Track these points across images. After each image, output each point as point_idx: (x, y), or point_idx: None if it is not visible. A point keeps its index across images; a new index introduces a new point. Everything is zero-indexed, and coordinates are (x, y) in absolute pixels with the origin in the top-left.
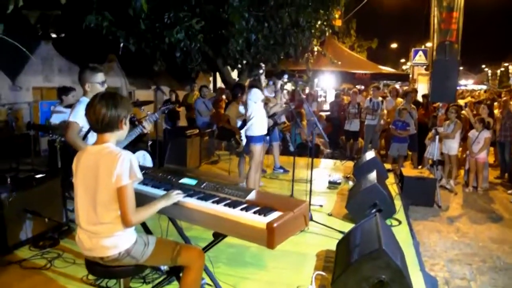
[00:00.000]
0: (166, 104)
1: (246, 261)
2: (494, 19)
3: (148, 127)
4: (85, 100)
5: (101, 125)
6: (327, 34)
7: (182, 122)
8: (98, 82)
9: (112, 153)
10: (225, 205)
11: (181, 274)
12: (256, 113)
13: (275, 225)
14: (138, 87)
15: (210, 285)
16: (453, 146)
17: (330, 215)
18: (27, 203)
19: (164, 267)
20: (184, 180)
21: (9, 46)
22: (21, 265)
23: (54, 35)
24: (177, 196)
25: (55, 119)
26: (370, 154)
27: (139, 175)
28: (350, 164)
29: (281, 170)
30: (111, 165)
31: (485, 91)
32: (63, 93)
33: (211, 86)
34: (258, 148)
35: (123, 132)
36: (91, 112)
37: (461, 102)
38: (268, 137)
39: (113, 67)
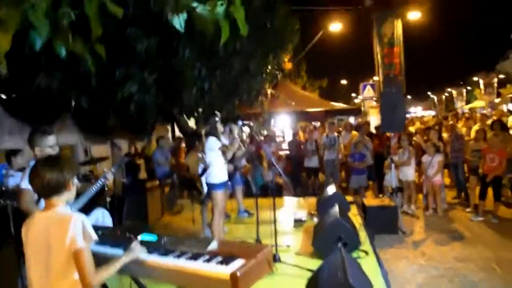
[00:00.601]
0: (127, 156)
1: None
2: (434, 49)
3: (110, 178)
4: None
5: (47, 190)
6: (278, 77)
7: (143, 175)
8: (48, 145)
9: (62, 217)
10: (187, 258)
11: None
12: (215, 161)
13: (238, 274)
14: (94, 142)
15: None
16: (409, 172)
17: (298, 254)
18: None
19: None
20: (144, 237)
21: None
22: None
23: (4, 96)
24: (139, 250)
25: (9, 183)
26: (331, 189)
27: (94, 236)
28: (313, 200)
29: (246, 214)
30: (63, 230)
31: (433, 117)
32: (11, 155)
33: (169, 135)
34: (219, 195)
35: (71, 193)
36: (36, 178)
37: (412, 129)
38: (229, 182)
39: (67, 124)
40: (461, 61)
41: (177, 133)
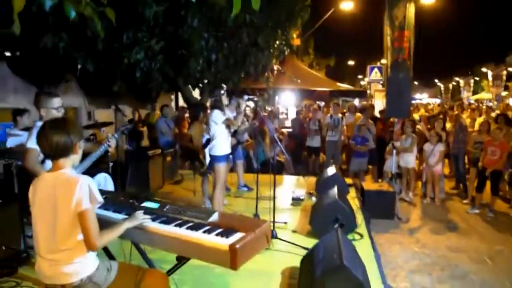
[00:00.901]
0: (130, 123)
1: (211, 281)
2: (445, 36)
3: (113, 144)
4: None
5: (55, 152)
6: (286, 53)
7: (145, 142)
8: (54, 107)
9: (69, 179)
10: (187, 228)
11: None
12: (219, 134)
13: (237, 246)
14: (98, 106)
15: None
16: (410, 160)
17: (294, 231)
18: None
19: None
20: (146, 204)
21: None
22: None
23: (8, 54)
24: (143, 218)
25: (11, 143)
26: (331, 170)
27: (99, 199)
28: (312, 179)
29: (245, 188)
30: (70, 191)
31: (438, 105)
32: (17, 115)
33: (173, 104)
34: (222, 168)
35: (78, 156)
36: (43, 140)
37: (416, 115)
38: (231, 156)
39: (72, 87)
40: (471, 51)
41: (180, 103)
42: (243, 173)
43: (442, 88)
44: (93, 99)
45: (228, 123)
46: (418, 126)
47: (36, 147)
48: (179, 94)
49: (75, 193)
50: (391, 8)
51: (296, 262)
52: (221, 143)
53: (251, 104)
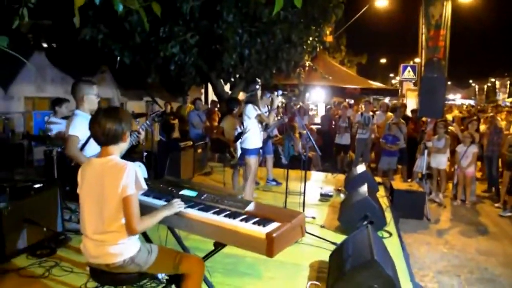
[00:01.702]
0: (162, 115)
1: (242, 271)
2: (481, 36)
3: (142, 134)
4: (80, 113)
5: (106, 138)
6: (318, 49)
7: (176, 134)
8: (94, 94)
9: (117, 165)
10: (225, 216)
11: (181, 283)
12: (251, 128)
13: (274, 235)
14: (130, 98)
15: None
16: (442, 160)
17: (322, 227)
18: (25, 212)
19: (162, 276)
20: (185, 192)
21: (1, 55)
22: (19, 274)
23: (45, 45)
24: (179, 205)
25: (52, 130)
26: (361, 168)
27: (144, 185)
28: (341, 177)
29: (274, 183)
30: (117, 177)
31: (472, 106)
32: (56, 104)
33: (202, 97)
34: (253, 160)
35: (125, 144)
36: (96, 126)
37: (449, 116)
38: (261, 150)
39: (105, 78)
40: (509, 51)
41: (210, 96)
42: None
43: (477, 89)
44: (125, 91)
45: (260, 119)
46: (450, 127)
47: (77, 134)
48: (209, 88)
49: (122, 178)
50: (427, 6)
51: (324, 256)
52: (253, 136)
53: (281, 99)
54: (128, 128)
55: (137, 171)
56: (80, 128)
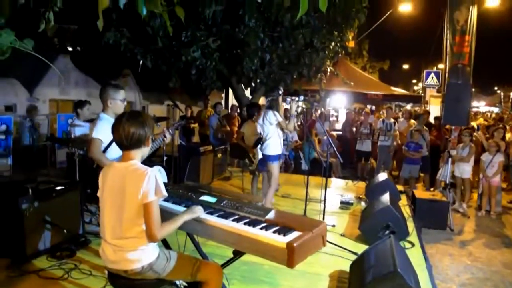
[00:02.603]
0: (182, 119)
1: (259, 279)
2: (508, 42)
3: (168, 138)
4: (105, 117)
5: (129, 142)
6: (340, 55)
7: (196, 138)
8: (120, 99)
9: (138, 170)
10: (245, 223)
11: None
12: (273, 134)
13: (295, 244)
14: (152, 102)
15: None
16: (466, 169)
17: (342, 235)
18: (46, 213)
19: (180, 283)
20: (204, 198)
21: (27, 58)
22: (39, 275)
23: (70, 49)
24: (199, 210)
25: (75, 132)
26: (382, 176)
27: (164, 192)
28: (361, 184)
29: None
30: (138, 182)
31: (496, 114)
32: (78, 106)
33: (223, 102)
34: (275, 166)
35: (147, 149)
36: (120, 130)
37: (474, 124)
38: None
39: (128, 82)
40: None
41: (231, 100)
42: (292, 174)
43: (502, 96)
44: (147, 94)
45: (280, 127)
46: (475, 134)
47: (100, 137)
48: (229, 93)
49: (143, 184)
50: (452, 11)
51: (343, 265)
52: (274, 143)
53: (303, 104)
54: (151, 132)
55: (157, 177)
56: (103, 131)
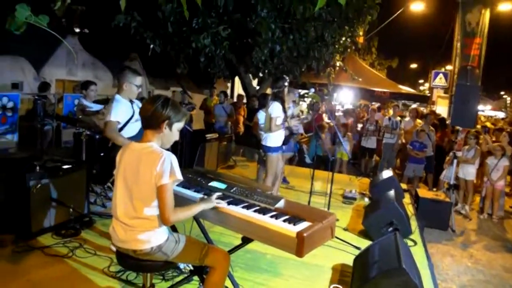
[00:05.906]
0: (186, 105)
1: (262, 267)
2: None
3: None
4: (120, 99)
5: (145, 119)
6: (350, 50)
7: (196, 125)
8: (136, 84)
9: (154, 152)
10: (255, 211)
11: (204, 275)
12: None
13: (305, 234)
14: (157, 87)
15: None
16: (470, 172)
17: (345, 229)
18: (52, 191)
19: (184, 266)
20: (214, 184)
21: (36, 37)
22: (44, 251)
23: (77, 30)
24: (218, 201)
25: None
26: (387, 173)
27: (179, 176)
28: (365, 180)
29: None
30: (152, 164)
31: (502, 119)
32: (84, 87)
33: (228, 91)
34: (274, 158)
35: (163, 136)
36: (146, 105)
37: (479, 127)
38: (284, 147)
39: (135, 66)
40: None
41: (236, 90)
42: (296, 167)
43: (508, 101)
44: (153, 80)
45: (285, 123)
46: (481, 136)
47: (118, 119)
48: (235, 82)
49: (157, 167)
50: (464, 13)
51: (345, 259)
52: (275, 135)
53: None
54: (170, 119)
55: (173, 160)
56: (120, 113)
